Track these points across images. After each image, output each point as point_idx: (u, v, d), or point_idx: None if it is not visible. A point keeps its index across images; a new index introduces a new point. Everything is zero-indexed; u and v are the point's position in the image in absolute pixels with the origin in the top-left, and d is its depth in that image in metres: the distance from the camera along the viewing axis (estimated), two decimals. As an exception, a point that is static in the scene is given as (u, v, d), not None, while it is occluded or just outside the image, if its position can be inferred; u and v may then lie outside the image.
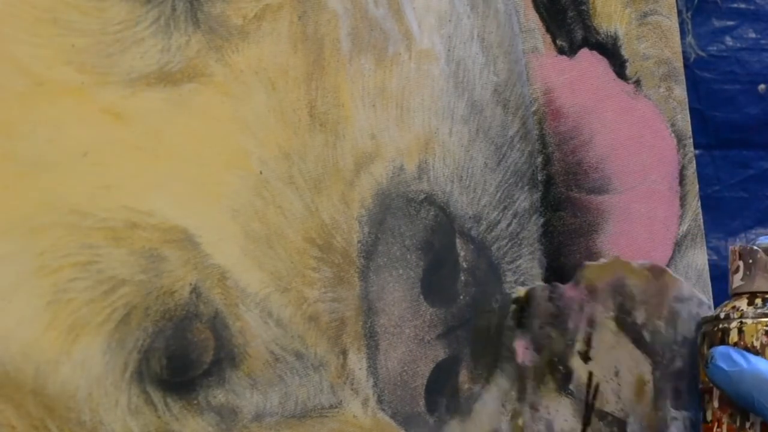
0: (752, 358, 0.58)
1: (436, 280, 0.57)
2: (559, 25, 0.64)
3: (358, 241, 0.53)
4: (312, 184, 0.51)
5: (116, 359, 0.45)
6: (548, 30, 0.63)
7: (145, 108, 0.46)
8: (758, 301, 0.60)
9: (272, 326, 0.50)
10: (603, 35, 0.66)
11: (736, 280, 0.61)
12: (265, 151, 0.50)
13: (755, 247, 0.61)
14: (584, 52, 0.65)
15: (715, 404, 0.59)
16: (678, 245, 0.70)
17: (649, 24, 0.69)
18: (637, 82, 0.68)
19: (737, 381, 0.57)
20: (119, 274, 0.45)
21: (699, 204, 0.72)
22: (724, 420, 0.59)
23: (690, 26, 0.74)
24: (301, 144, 0.51)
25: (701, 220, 0.72)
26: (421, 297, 0.56)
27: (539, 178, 0.62)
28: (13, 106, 0.42)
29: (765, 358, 0.58)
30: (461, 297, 0.58)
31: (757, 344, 0.59)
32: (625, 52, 0.67)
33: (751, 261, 0.61)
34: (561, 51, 0.64)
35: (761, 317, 0.59)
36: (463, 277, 0.58)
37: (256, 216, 0.49)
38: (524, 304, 0.60)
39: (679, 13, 0.71)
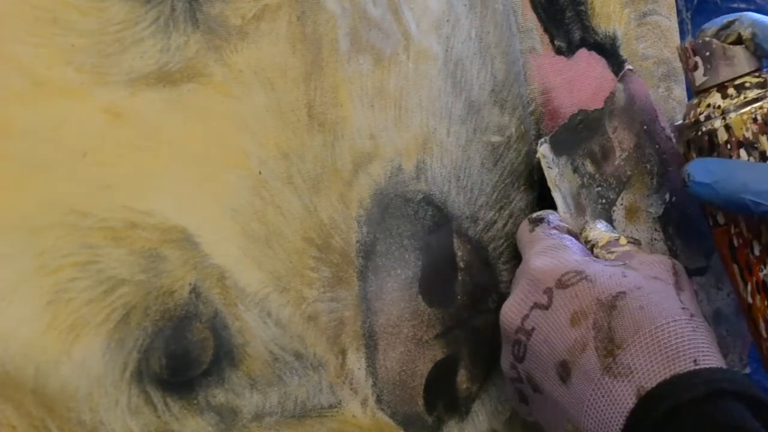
0: (727, 162, 0.55)
1: (433, 280, 0.57)
2: (557, 25, 0.64)
3: (357, 241, 0.53)
4: (311, 184, 0.51)
5: (116, 359, 0.45)
6: (546, 30, 0.63)
7: (145, 108, 0.46)
8: (731, 91, 0.57)
9: (271, 326, 0.50)
10: (601, 35, 0.66)
11: (699, 77, 0.58)
12: (264, 151, 0.50)
13: (707, 39, 0.58)
14: (582, 52, 0.65)
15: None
16: (675, 245, 0.70)
17: (649, 24, 0.69)
18: (636, 83, 0.68)
19: (722, 190, 0.54)
20: (119, 274, 0.45)
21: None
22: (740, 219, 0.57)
23: (690, 26, 0.74)
24: (299, 144, 0.51)
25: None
26: (419, 297, 0.56)
27: (535, 178, 0.62)
28: (13, 106, 0.42)
29: (760, 144, 0.56)
30: (459, 297, 0.58)
31: (748, 135, 0.56)
32: (623, 52, 0.67)
33: (708, 53, 0.58)
34: (559, 51, 0.64)
35: (744, 107, 0.56)
36: (460, 277, 0.58)
37: (255, 216, 0.49)
38: None
39: (679, 13, 0.71)
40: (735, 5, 0.78)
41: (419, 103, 0.56)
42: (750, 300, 0.58)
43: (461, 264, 0.58)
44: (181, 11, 0.47)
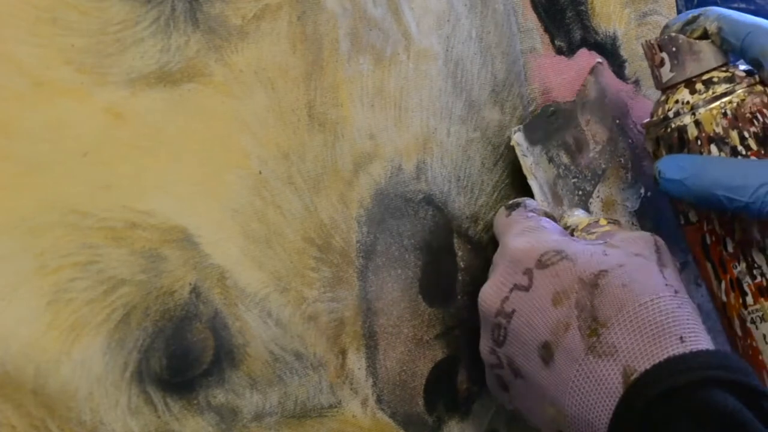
0: (698, 157, 0.55)
1: (434, 280, 0.57)
2: (558, 25, 0.64)
3: (357, 241, 0.53)
4: (311, 184, 0.51)
5: (116, 359, 0.44)
6: (546, 30, 0.63)
7: (145, 108, 0.46)
8: (699, 86, 0.56)
9: (271, 326, 0.50)
10: (602, 35, 0.66)
11: (665, 74, 0.58)
12: (265, 151, 0.50)
13: (673, 35, 0.57)
14: (583, 52, 0.65)
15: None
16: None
17: (649, 24, 0.69)
18: (636, 82, 0.68)
19: (694, 186, 0.54)
20: (119, 274, 0.45)
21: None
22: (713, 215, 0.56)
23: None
24: (300, 144, 0.51)
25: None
26: (420, 297, 0.56)
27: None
28: (13, 106, 0.42)
29: (731, 139, 0.55)
30: (459, 297, 0.58)
31: (719, 130, 0.55)
32: (624, 52, 0.67)
33: (674, 49, 0.57)
34: (559, 51, 0.64)
35: (713, 102, 0.55)
36: (460, 277, 0.58)
37: (256, 216, 0.49)
38: None
39: (679, 12, 0.71)
40: (735, 5, 0.78)
41: (419, 103, 0.56)
42: (724, 298, 0.57)
43: (461, 264, 0.58)
44: (182, 11, 0.47)
